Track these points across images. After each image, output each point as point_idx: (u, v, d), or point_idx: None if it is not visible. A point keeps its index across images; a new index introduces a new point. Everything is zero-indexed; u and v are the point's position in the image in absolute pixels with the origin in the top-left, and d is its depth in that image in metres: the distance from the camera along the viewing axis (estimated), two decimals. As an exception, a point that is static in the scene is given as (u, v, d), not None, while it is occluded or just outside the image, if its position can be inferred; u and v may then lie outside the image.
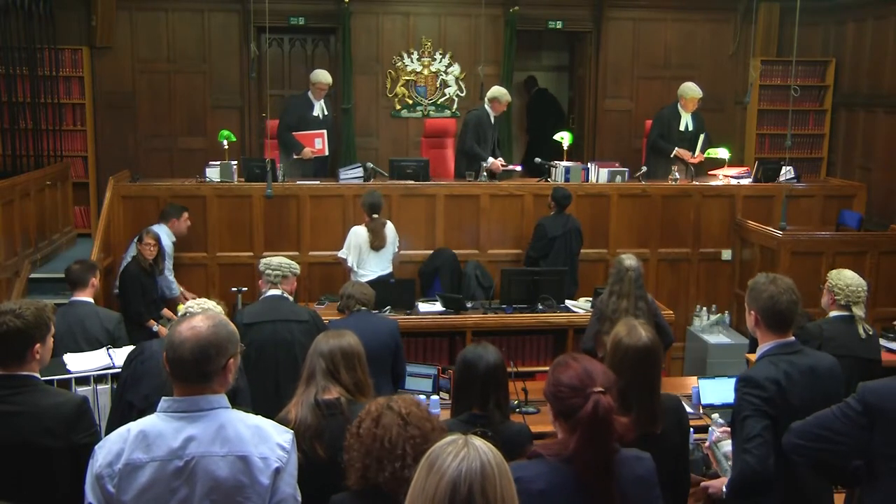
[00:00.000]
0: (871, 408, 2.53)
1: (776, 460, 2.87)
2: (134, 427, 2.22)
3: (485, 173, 7.61)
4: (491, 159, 7.67)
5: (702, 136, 8.04)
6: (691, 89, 7.99)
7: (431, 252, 7.16)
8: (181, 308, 3.66)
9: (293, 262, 4.79)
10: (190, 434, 2.18)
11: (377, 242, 6.37)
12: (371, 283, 5.51)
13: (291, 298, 4.74)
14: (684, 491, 3.13)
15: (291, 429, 2.40)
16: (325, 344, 3.12)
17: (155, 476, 2.15)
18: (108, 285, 6.60)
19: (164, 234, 6.53)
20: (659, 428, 2.93)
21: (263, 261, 4.77)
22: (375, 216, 6.38)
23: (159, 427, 2.19)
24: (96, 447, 2.24)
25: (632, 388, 2.86)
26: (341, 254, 6.47)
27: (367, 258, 6.38)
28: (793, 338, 3.15)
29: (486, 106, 7.80)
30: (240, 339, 2.37)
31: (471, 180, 7.48)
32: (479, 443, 1.70)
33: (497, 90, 7.82)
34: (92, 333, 4.69)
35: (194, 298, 6.69)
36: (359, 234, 6.42)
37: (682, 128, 8.09)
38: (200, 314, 2.38)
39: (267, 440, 2.23)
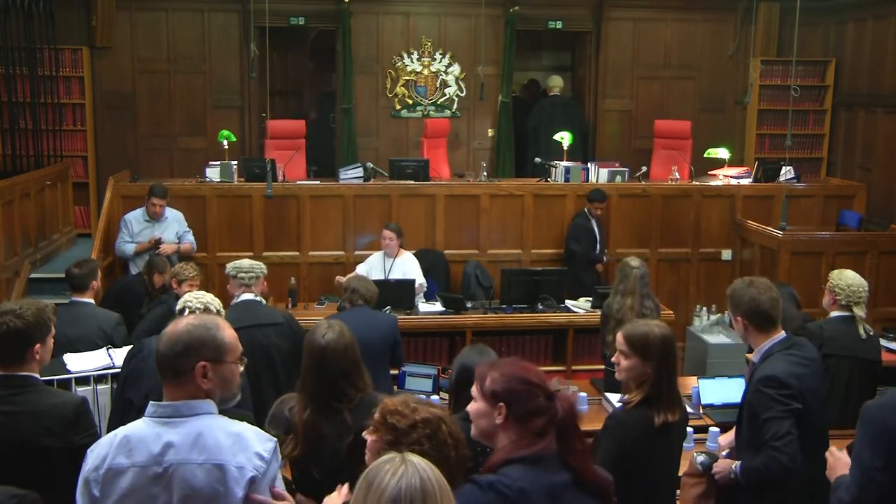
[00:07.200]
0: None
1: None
2: (120, 432, 2.20)
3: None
4: None
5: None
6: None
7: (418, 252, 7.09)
8: (180, 302, 3.61)
9: (260, 263, 4.71)
10: (169, 440, 2.15)
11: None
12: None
13: (263, 300, 4.67)
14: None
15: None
16: (328, 363, 3.02)
17: (135, 481, 2.13)
18: (108, 285, 6.58)
19: (138, 212, 6.54)
20: (678, 415, 2.95)
21: (232, 264, 4.63)
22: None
23: (142, 432, 2.17)
24: (88, 451, 2.22)
25: (659, 377, 2.91)
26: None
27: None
28: (784, 333, 3.23)
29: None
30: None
31: (470, 180, 7.47)
32: (416, 460, 1.69)
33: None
34: (88, 335, 4.66)
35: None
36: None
37: None
38: (195, 316, 2.35)
39: (246, 449, 2.16)
